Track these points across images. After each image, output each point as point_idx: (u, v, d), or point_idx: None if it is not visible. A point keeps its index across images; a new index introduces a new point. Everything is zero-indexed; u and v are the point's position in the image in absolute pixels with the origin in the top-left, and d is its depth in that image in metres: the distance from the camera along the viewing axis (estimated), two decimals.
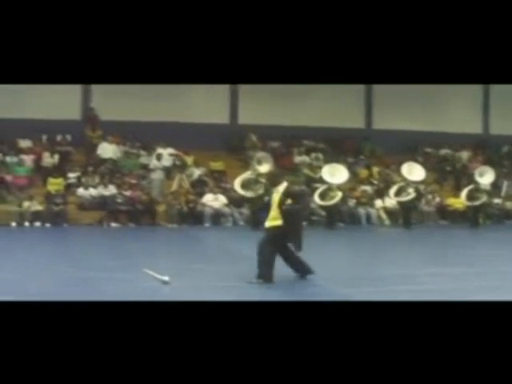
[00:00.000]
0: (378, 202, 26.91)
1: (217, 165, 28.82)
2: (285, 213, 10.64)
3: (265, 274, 10.42)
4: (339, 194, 24.02)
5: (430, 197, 27.61)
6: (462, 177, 30.26)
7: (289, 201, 10.69)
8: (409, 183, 24.90)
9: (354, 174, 28.79)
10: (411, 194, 24.76)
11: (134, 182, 25.99)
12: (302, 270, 11.02)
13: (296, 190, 11.42)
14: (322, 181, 24.81)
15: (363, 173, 29.78)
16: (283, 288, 10.29)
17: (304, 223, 11.06)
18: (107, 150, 27.56)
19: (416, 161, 27.97)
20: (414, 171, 25.23)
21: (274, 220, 10.75)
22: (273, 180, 11.39)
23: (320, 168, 26.40)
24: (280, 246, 10.80)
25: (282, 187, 10.92)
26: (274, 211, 10.74)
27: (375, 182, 28.89)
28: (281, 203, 10.65)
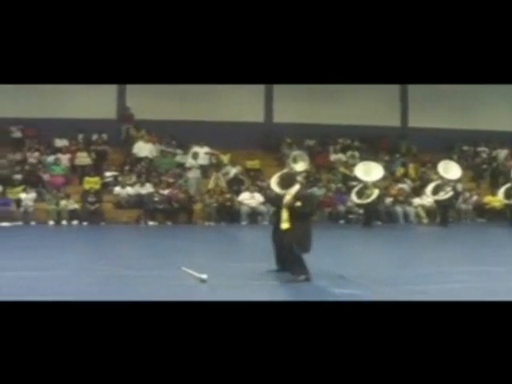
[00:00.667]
0: (416, 200, 26.71)
1: (253, 163, 28.82)
2: (293, 215, 10.66)
3: (303, 271, 10.37)
4: (376, 192, 23.85)
5: (467, 195, 27.35)
6: (499, 175, 29.96)
7: (298, 203, 10.70)
8: (446, 181, 24.67)
9: (390, 172, 28.65)
10: (449, 192, 24.55)
11: (170, 180, 26.07)
12: (299, 272, 10.80)
13: (306, 193, 11.43)
14: (358, 179, 24.68)
15: (400, 171, 29.60)
16: (320, 287, 10.22)
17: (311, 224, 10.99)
18: (143, 148, 27.71)
19: (452, 159, 27.77)
20: (450, 169, 25.01)
21: (284, 222, 10.75)
22: (286, 182, 11.35)
23: (356, 166, 26.27)
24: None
25: (294, 190, 10.92)
26: (285, 213, 10.75)
27: (411, 180, 28.69)
28: (290, 205, 10.66)
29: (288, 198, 10.86)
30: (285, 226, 10.72)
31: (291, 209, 10.70)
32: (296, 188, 11.00)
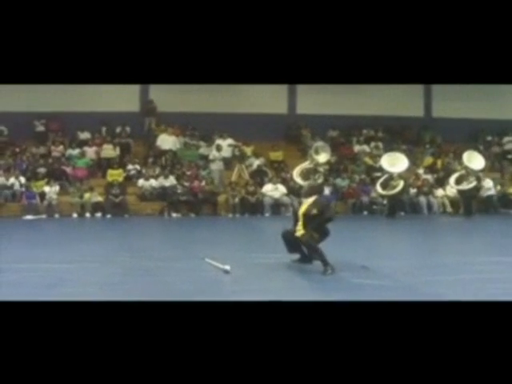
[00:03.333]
0: (439, 191, 26.58)
1: (276, 155, 28.85)
2: (308, 222, 10.75)
3: (328, 263, 10.37)
4: (401, 184, 23.74)
5: (490, 185, 27.11)
6: None
7: (314, 211, 10.76)
8: (469, 172, 24.52)
9: (414, 163, 28.55)
10: (472, 182, 24.42)
11: (193, 172, 26.13)
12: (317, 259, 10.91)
13: (323, 202, 11.47)
14: (382, 170, 24.60)
15: (428, 161, 29.47)
16: (342, 278, 10.20)
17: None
18: (166, 141, 27.81)
19: (477, 149, 27.61)
20: (474, 159, 24.81)
21: (299, 230, 10.81)
22: (308, 192, 11.45)
23: (380, 157, 26.17)
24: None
25: (312, 199, 10.98)
26: (300, 220, 10.81)
27: (436, 171, 28.56)
28: (307, 212, 10.72)
29: (305, 206, 10.95)
30: (299, 232, 10.78)
31: (306, 216, 10.77)
32: (313, 198, 11.08)
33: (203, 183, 25.45)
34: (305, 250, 11.02)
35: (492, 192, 26.34)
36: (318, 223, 10.86)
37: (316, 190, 11.73)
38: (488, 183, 26.44)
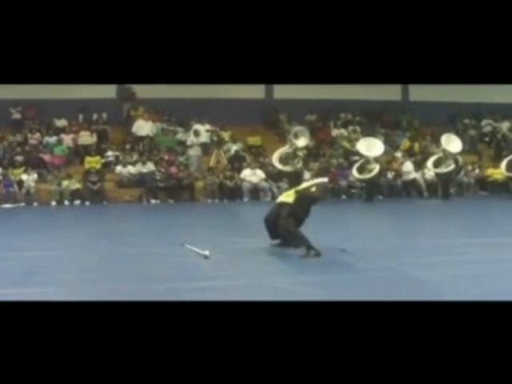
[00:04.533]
0: (417, 174, 26.65)
1: (254, 140, 28.82)
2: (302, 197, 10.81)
3: (309, 246, 10.37)
4: (377, 167, 23.83)
5: (469, 168, 27.28)
6: (502, 147, 29.94)
7: (317, 192, 10.84)
8: (447, 154, 24.61)
9: (392, 147, 28.64)
10: (450, 165, 24.52)
11: (171, 158, 26.10)
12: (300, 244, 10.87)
13: (326, 183, 11.58)
14: (360, 154, 24.65)
15: (405, 145, 29.55)
16: (325, 262, 10.22)
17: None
18: (143, 127, 27.70)
19: (454, 132, 27.73)
20: (451, 142, 24.89)
21: (289, 196, 10.85)
22: (319, 173, 11.64)
23: (358, 141, 26.19)
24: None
25: (321, 180, 11.18)
26: (294, 195, 10.89)
27: (414, 154, 28.64)
28: (307, 191, 10.87)
29: (309, 184, 11.04)
30: (289, 199, 10.82)
31: (302, 194, 10.85)
32: (322, 180, 11.14)
33: (181, 169, 25.40)
34: (287, 237, 10.96)
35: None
36: (307, 204, 10.90)
37: (325, 172, 11.78)
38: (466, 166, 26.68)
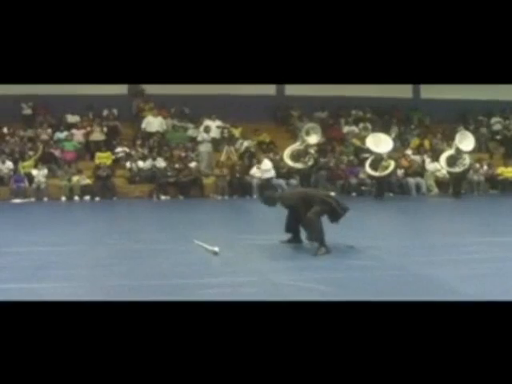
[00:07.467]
0: (428, 172, 26.55)
1: (264, 136, 28.76)
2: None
3: (322, 243, 10.36)
4: (392, 164, 23.69)
5: (476, 166, 27.04)
6: None
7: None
8: (459, 153, 24.41)
9: (403, 144, 28.56)
10: (465, 165, 24.26)
11: (182, 154, 26.09)
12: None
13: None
14: (370, 151, 24.52)
15: (415, 142, 29.46)
16: (334, 260, 10.20)
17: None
18: (152, 123, 27.72)
19: (468, 129, 27.57)
20: (465, 140, 24.67)
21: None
22: None
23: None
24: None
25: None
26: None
27: (425, 152, 28.51)
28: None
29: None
30: None
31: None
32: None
33: (192, 165, 25.38)
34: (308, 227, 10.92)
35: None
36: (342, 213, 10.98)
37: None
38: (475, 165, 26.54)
